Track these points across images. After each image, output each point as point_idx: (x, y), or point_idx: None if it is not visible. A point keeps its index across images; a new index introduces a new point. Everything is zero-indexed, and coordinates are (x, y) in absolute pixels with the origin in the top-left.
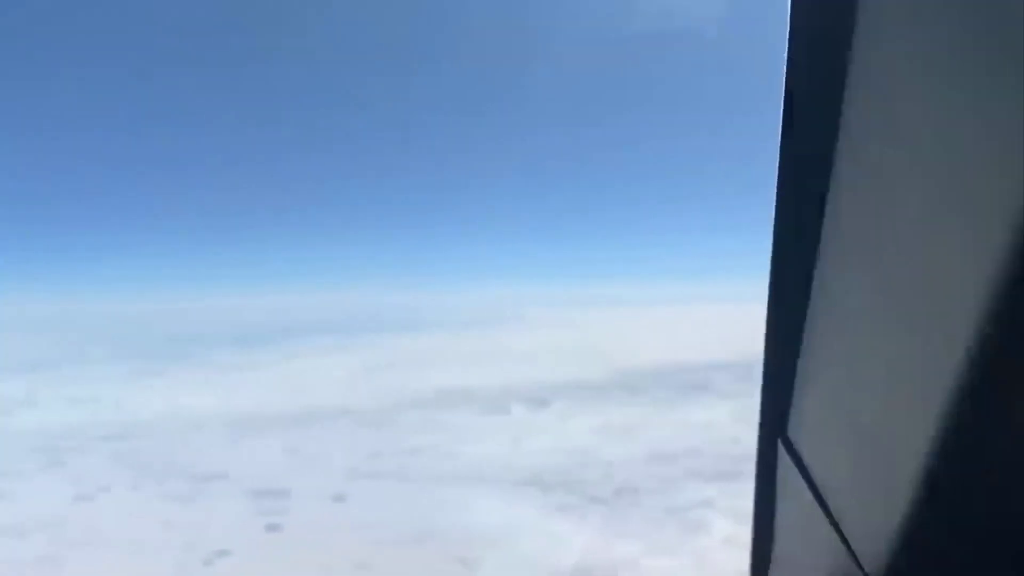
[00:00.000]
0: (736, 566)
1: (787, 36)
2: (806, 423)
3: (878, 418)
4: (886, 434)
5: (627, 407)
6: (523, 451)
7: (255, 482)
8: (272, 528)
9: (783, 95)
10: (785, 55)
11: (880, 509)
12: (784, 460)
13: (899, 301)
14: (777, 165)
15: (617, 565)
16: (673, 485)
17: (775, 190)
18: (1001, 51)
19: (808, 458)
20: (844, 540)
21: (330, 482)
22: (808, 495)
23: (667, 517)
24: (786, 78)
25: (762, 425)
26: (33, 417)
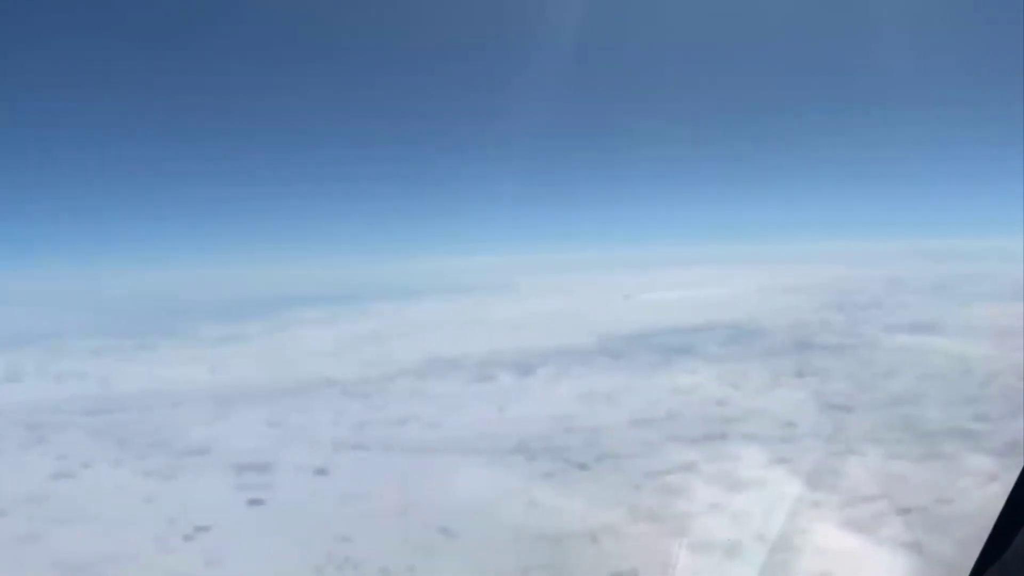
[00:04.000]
0: (716, 530)
1: None
2: None
3: None
4: None
5: (611, 373)
6: (508, 419)
7: (238, 456)
8: (254, 503)
9: None
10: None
11: None
12: None
13: None
14: None
15: (599, 531)
16: (655, 449)
17: None
18: None
19: None
20: None
21: (314, 455)
22: None
23: (649, 481)
24: None
25: None
26: (16, 392)
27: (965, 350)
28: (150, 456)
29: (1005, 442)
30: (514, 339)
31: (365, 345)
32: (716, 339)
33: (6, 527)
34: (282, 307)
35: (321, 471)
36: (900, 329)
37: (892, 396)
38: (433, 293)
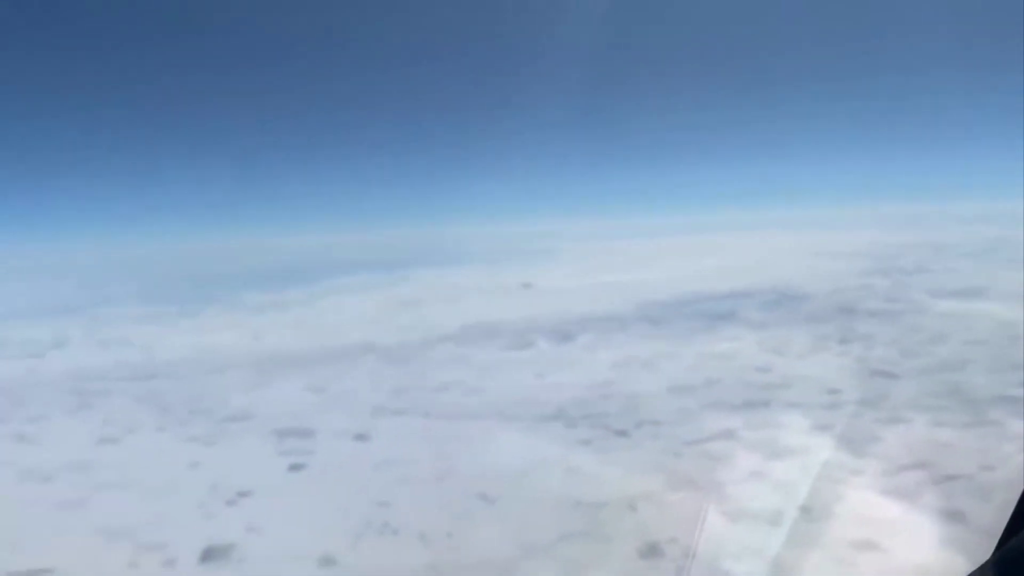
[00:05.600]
0: (757, 499)
1: None
2: None
3: None
4: None
5: (651, 339)
6: (547, 385)
7: (279, 422)
8: (295, 468)
9: None
10: None
11: None
12: None
13: None
14: None
15: (638, 498)
16: (695, 416)
17: None
18: None
19: None
20: None
21: (354, 420)
22: None
23: (688, 449)
24: None
25: None
26: (62, 359)
27: (1012, 316)
28: (193, 422)
29: None
30: (553, 305)
31: (405, 311)
32: (757, 305)
33: (52, 492)
34: (323, 274)
35: (361, 437)
36: (946, 294)
37: (938, 362)
38: (473, 259)
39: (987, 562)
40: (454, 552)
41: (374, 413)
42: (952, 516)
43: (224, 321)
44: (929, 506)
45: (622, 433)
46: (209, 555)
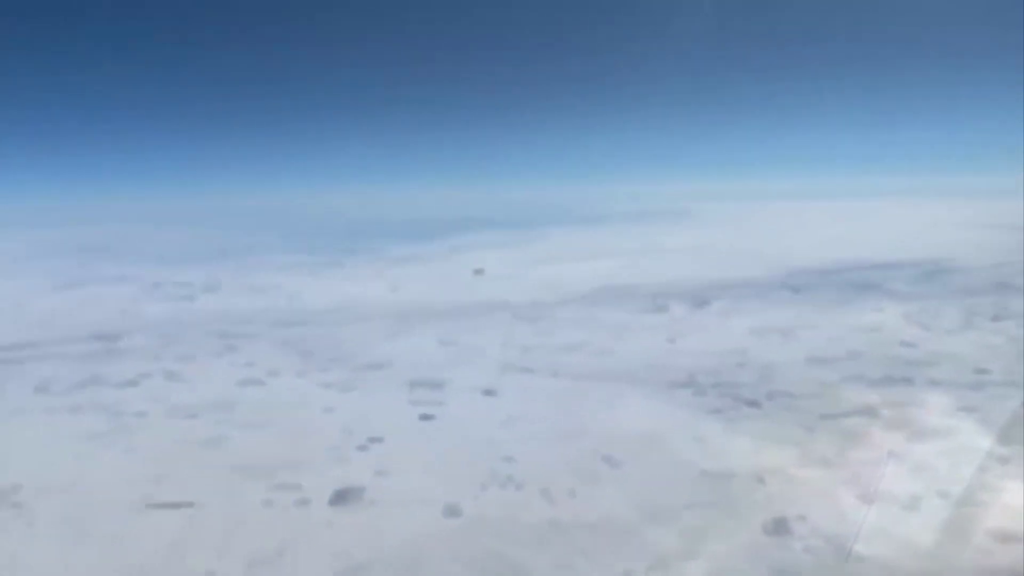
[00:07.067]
0: (894, 481)
1: None
2: None
3: None
4: None
5: (790, 307)
6: (679, 351)
7: (412, 372)
8: (425, 418)
9: None
10: None
11: None
12: None
13: None
14: None
15: (766, 472)
16: (832, 390)
17: None
18: None
19: None
20: None
21: (484, 375)
22: None
23: (823, 424)
24: None
25: None
26: (213, 302)
27: None
28: (331, 368)
29: None
30: (690, 269)
31: (539, 269)
32: (906, 276)
33: (195, 429)
34: (461, 229)
35: (489, 391)
36: None
37: None
38: (611, 220)
39: None
40: (576, 511)
41: (503, 369)
42: None
43: (366, 272)
44: None
45: (753, 403)
46: (340, 497)
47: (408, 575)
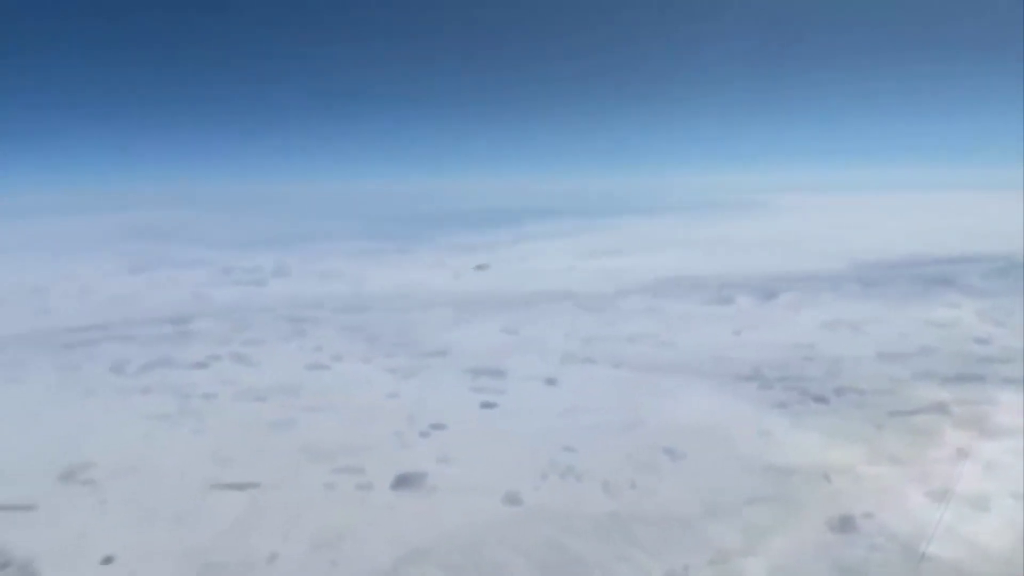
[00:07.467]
0: (964, 481)
1: None
2: None
3: None
4: None
5: (861, 301)
6: (744, 343)
7: (475, 360)
8: (487, 406)
9: None
10: None
11: None
12: None
13: None
14: None
15: (833, 469)
16: (903, 386)
17: None
18: None
19: None
20: None
21: (545, 365)
22: None
23: (892, 421)
24: None
25: None
26: (283, 287)
27: None
28: (396, 354)
29: None
30: (758, 260)
31: (604, 260)
32: (982, 271)
33: (264, 412)
34: (526, 219)
35: (551, 381)
36: None
37: None
38: (679, 210)
39: None
40: (636, 504)
41: (565, 359)
42: None
43: (432, 260)
44: None
45: (821, 399)
46: (401, 482)
47: (468, 562)
